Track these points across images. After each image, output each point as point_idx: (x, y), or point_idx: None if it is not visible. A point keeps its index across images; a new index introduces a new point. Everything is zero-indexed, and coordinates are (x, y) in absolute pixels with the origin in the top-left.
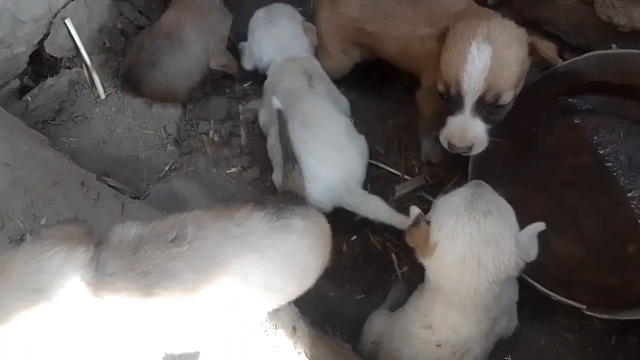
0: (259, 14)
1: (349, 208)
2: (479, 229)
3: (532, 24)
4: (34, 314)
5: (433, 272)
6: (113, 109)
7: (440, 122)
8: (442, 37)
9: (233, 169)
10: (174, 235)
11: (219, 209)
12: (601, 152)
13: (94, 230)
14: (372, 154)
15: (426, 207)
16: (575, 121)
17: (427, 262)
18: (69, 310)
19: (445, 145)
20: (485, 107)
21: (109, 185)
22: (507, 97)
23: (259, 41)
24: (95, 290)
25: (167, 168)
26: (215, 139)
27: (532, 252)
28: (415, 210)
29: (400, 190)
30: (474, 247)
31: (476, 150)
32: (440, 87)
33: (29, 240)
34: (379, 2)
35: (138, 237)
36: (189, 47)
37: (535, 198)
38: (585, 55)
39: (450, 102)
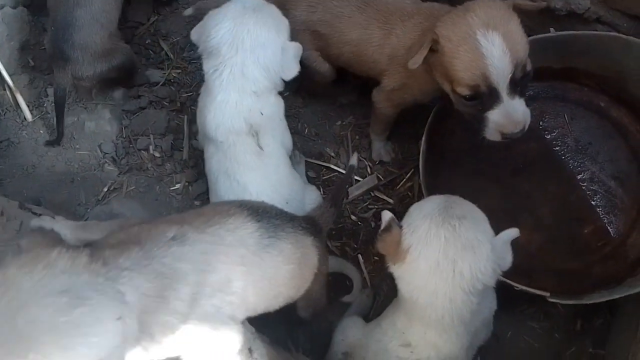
0: None
1: None
2: (454, 232)
3: None
4: (69, 316)
5: (406, 283)
6: (42, 131)
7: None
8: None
9: (177, 185)
10: (173, 234)
11: (208, 214)
12: (548, 137)
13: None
14: (323, 156)
15: (381, 207)
16: None
17: (398, 270)
18: (99, 306)
19: (498, 138)
20: (516, 83)
21: (33, 213)
22: (529, 62)
23: (223, 22)
24: (114, 284)
25: (105, 189)
26: (156, 154)
27: (508, 259)
28: (387, 215)
29: (354, 192)
30: (448, 251)
31: (527, 126)
32: (465, 92)
33: (10, 257)
34: (326, 2)
35: (137, 234)
36: None
37: (488, 188)
38: None
39: (484, 100)
